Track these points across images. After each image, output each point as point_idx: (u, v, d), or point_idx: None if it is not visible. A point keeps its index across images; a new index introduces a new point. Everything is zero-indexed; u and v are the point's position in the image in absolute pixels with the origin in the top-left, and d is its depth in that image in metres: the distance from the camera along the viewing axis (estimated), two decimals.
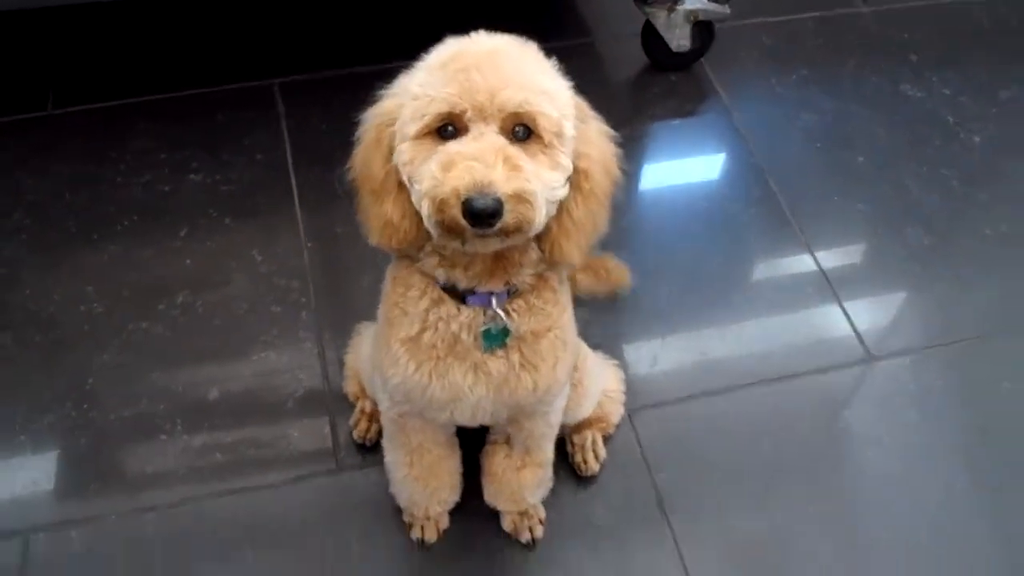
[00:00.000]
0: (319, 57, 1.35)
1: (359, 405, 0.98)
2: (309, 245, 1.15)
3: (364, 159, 0.67)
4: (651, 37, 1.37)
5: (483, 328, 0.70)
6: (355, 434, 0.98)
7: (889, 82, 1.42)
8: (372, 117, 0.66)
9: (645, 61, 1.39)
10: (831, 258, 1.19)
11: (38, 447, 0.98)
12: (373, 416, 0.97)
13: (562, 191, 0.65)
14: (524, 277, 0.69)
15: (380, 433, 0.94)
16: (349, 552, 0.92)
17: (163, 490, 0.94)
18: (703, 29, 1.35)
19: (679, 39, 1.35)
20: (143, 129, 1.27)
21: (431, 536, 0.93)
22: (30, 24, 1.38)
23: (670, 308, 1.13)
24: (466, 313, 0.70)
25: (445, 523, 0.94)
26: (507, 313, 0.70)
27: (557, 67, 0.65)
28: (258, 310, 1.09)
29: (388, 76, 0.67)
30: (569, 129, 0.64)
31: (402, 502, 0.92)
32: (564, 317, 0.74)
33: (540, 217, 0.62)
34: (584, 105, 0.67)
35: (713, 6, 1.32)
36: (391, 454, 0.88)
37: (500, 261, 0.68)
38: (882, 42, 1.48)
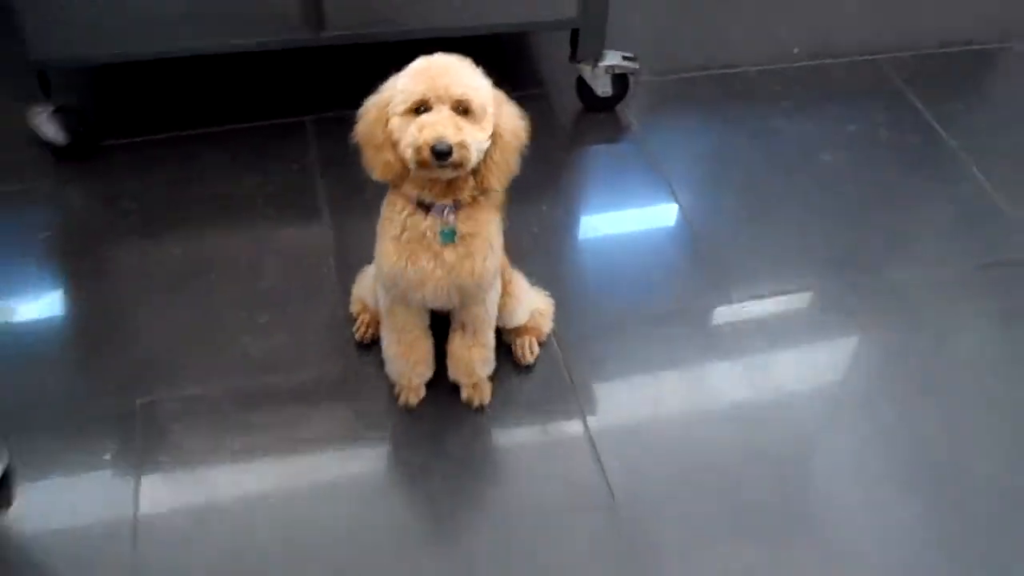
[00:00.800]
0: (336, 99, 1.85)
1: (360, 318, 1.43)
2: (332, 230, 1.62)
3: (368, 128, 1.13)
4: (583, 86, 1.86)
5: (440, 229, 1.16)
6: (357, 336, 1.42)
7: (764, 120, 1.91)
8: (373, 102, 1.13)
9: (579, 105, 1.89)
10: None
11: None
12: (368, 324, 1.41)
13: (486, 144, 1.10)
14: (464, 196, 1.14)
15: (374, 336, 1.40)
16: (353, 415, 1.36)
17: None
18: (620, 80, 1.84)
19: (602, 87, 1.84)
20: (210, 152, 1.76)
21: (413, 400, 1.35)
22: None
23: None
24: (430, 220, 1.15)
25: (422, 393, 1.36)
26: (454, 218, 1.16)
27: (483, 73, 1.12)
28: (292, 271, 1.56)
29: None
30: (489, 108, 1.10)
31: (392, 375, 1.35)
32: (491, 228, 1.19)
33: (474, 157, 1.08)
34: (502, 95, 1.13)
35: (626, 63, 1.81)
36: (385, 337, 1.32)
37: (450, 185, 1.13)
38: (762, 92, 1.98)
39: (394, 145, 1.11)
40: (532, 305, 1.41)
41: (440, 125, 1.06)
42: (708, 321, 1.51)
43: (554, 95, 1.91)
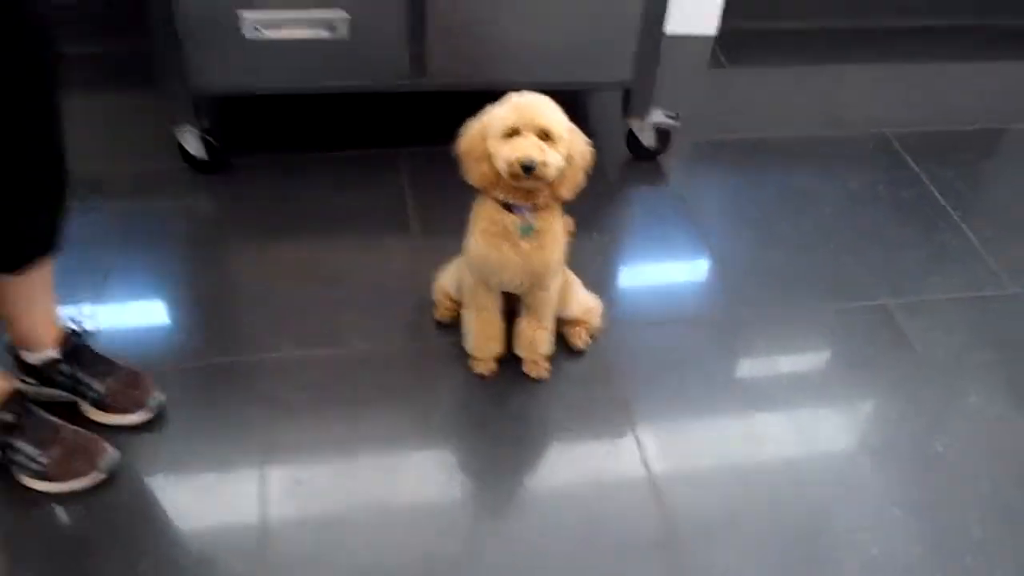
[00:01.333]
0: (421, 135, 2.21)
1: (441, 304, 1.75)
2: (420, 237, 1.97)
3: (469, 144, 1.47)
4: (632, 138, 2.22)
5: (520, 225, 1.50)
6: (437, 316, 1.75)
7: (781, 176, 2.25)
8: (475, 124, 1.47)
9: (627, 154, 2.24)
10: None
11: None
12: (448, 308, 1.73)
13: (562, 163, 1.45)
14: (540, 200, 1.48)
15: (452, 318, 1.73)
16: (436, 383, 1.68)
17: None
18: (663, 135, 2.20)
19: (648, 140, 2.19)
20: (319, 172, 2.12)
21: (485, 371, 1.66)
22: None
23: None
24: (512, 217, 1.49)
25: (494, 366, 1.67)
26: (532, 216, 1.50)
27: (560, 110, 1.47)
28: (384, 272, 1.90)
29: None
30: (564, 135, 1.44)
31: (469, 348, 1.66)
32: (558, 227, 1.52)
33: (552, 173, 1.42)
34: (573, 126, 1.47)
35: (669, 121, 2.17)
36: (466, 315, 1.64)
37: (530, 192, 1.48)
38: (779, 154, 2.32)
39: (490, 159, 1.45)
40: (584, 301, 1.73)
41: (528, 147, 1.41)
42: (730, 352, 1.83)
43: (605, 144, 2.26)
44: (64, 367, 1.51)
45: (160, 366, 1.63)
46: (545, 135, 1.42)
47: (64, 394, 1.54)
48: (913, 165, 2.29)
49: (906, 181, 2.25)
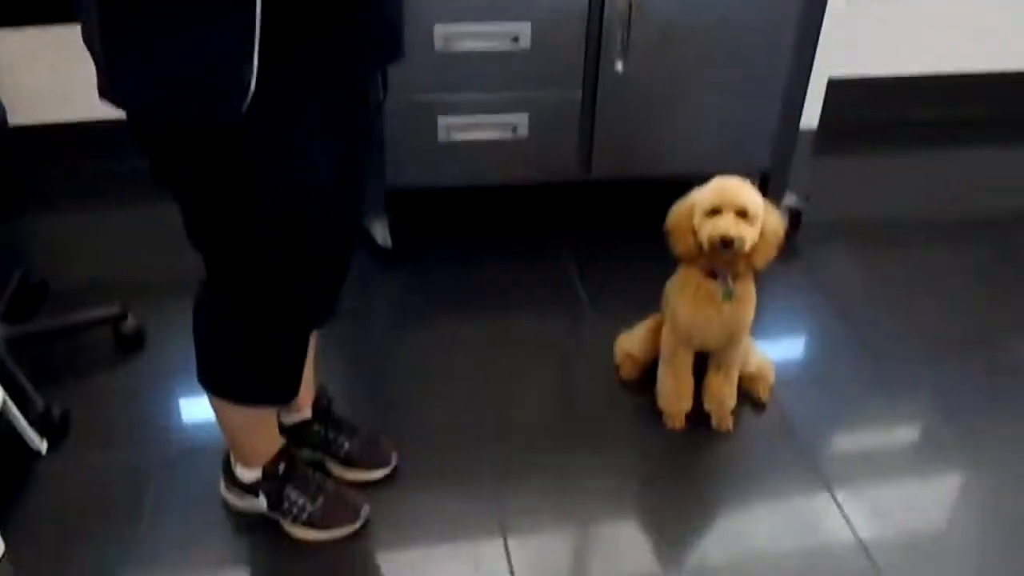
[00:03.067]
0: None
1: (624, 365, 1.94)
2: (594, 313, 2.18)
3: (677, 220, 1.69)
4: None
5: (723, 290, 1.70)
6: (624, 376, 1.94)
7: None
8: (683, 203, 1.70)
9: None
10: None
11: None
12: (631, 369, 1.93)
13: (755, 237, 1.66)
14: (738, 269, 1.70)
15: (637, 378, 1.93)
16: (622, 432, 1.86)
17: None
18: (795, 216, 2.42)
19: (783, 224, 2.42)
20: (490, 257, 2.35)
21: (678, 425, 1.84)
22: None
23: None
24: (715, 284, 1.70)
25: (684, 421, 1.86)
26: (732, 283, 1.71)
27: (756, 191, 1.69)
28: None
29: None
30: (759, 214, 1.66)
31: (663, 405, 1.85)
32: (751, 292, 1.73)
33: (747, 246, 1.64)
34: (768, 204, 1.68)
35: (801, 203, 2.40)
36: (663, 371, 1.83)
37: (731, 263, 1.69)
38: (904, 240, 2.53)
39: (695, 234, 1.68)
40: (761, 358, 1.92)
41: (727, 225, 1.63)
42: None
43: None
44: (317, 427, 1.71)
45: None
46: (743, 213, 1.64)
47: (316, 453, 1.73)
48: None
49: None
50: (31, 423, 1.73)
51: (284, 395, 1.51)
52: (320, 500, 1.61)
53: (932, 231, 2.54)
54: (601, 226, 2.44)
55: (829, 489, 1.74)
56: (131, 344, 2.00)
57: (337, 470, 1.73)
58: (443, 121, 2.10)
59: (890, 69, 2.97)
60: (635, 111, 2.17)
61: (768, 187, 2.35)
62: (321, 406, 1.72)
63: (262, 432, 1.58)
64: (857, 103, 2.98)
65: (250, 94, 1.08)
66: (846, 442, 1.86)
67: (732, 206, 1.63)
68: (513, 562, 1.59)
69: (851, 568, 1.60)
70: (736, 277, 1.71)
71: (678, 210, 1.71)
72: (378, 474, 1.72)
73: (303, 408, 1.70)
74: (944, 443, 1.86)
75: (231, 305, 1.37)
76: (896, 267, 2.39)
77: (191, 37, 1.06)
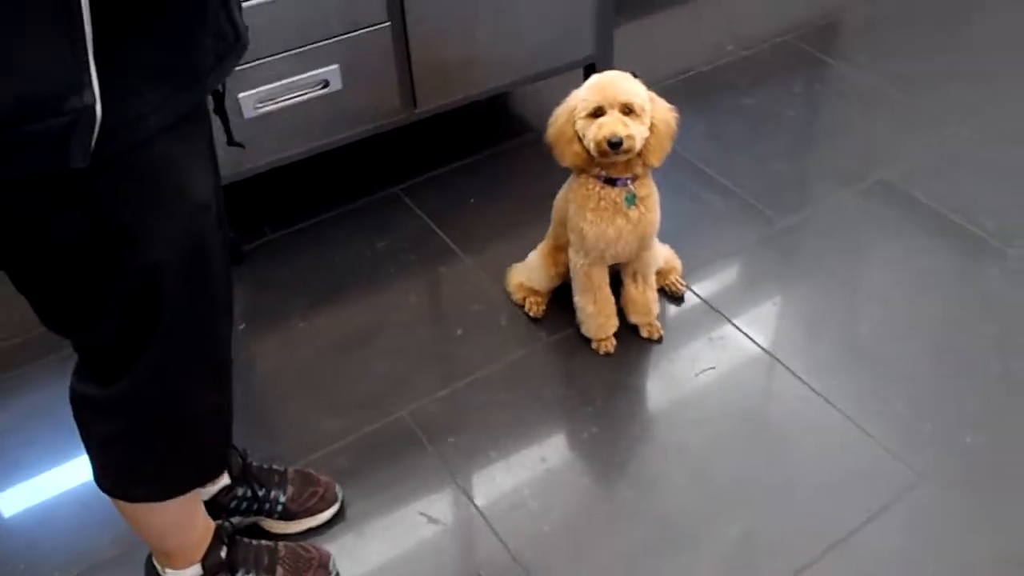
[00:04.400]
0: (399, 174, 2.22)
1: (527, 301, 1.79)
2: (467, 257, 1.99)
3: (558, 129, 1.53)
4: None
5: (625, 196, 1.57)
6: (532, 313, 1.79)
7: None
8: (561, 110, 1.53)
9: None
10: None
11: None
12: (536, 302, 1.78)
13: (646, 134, 1.53)
14: (636, 171, 1.56)
15: (544, 311, 1.79)
16: (556, 370, 1.74)
17: None
18: None
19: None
20: (335, 231, 2.08)
21: (610, 348, 1.73)
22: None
23: None
24: (616, 190, 1.56)
25: (614, 342, 1.74)
26: (633, 186, 1.58)
27: (639, 83, 1.54)
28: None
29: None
30: (647, 107, 1.52)
31: (589, 331, 1.72)
32: (653, 191, 1.61)
33: (638, 144, 1.50)
34: (654, 94, 1.54)
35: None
36: (580, 299, 1.70)
37: (627, 165, 1.55)
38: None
39: (580, 140, 1.52)
40: (664, 250, 1.83)
41: (612, 124, 1.49)
42: None
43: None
44: (242, 490, 1.44)
45: (308, 456, 1.58)
46: (628, 109, 1.50)
47: (246, 520, 1.46)
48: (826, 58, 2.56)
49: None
50: None
51: (218, 465, 1.27)
52: (279, 570, 1.37)
53: (750, 72, 2.52)
54: (436, 165, 2.23)
55: (772, 354, 1.72)
56: None
57: (279, 527, 1.48)
58: (245, 96, 1.78)
59: None
60: (450, 30, 1.95)
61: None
62: (236, 466, 1.44)
63: (191, 521, 1.29)
64: None
65: (97, 124, 0.79)
66: (770, 306, 1.83)
67: (615, 103, 1.49)
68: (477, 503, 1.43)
69: (811, 416, 1.60)
70: (635, 179, 1.58)
71: (558, 117, 1.55)
72: (325, 516, 1.50)
73: (217, 478, 1.42)
74: (843, 284, 1.88)
75: (121, 388, 1.06)
76: (733, 115, 2.36)
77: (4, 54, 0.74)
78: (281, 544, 1.40)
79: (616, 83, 1.51)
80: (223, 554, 1.31)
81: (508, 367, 1.74)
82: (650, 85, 1.56)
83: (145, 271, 0.96)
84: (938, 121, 2.28)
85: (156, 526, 1.25)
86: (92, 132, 0.79)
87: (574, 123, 1.52)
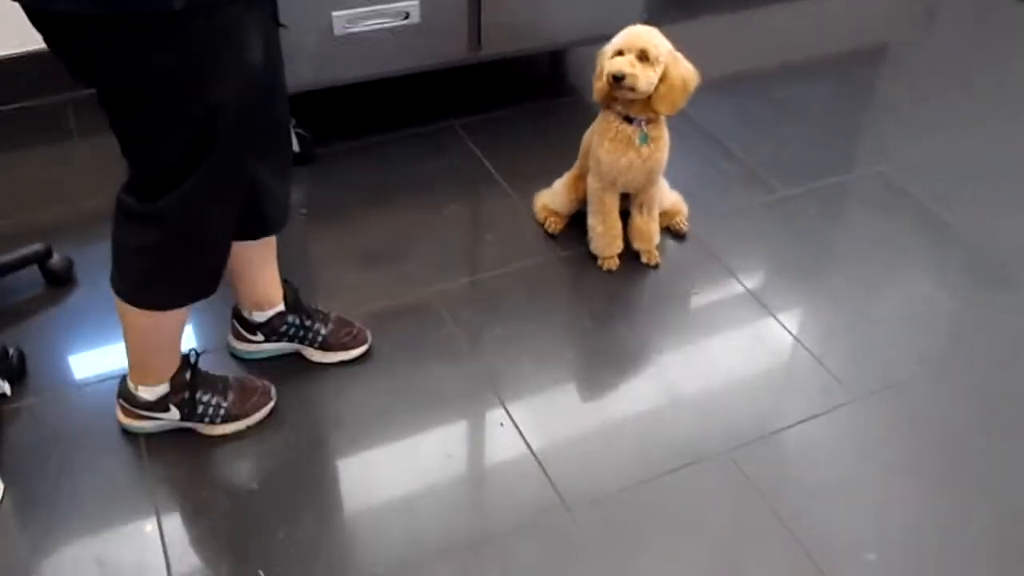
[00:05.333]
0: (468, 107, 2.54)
1: (548, 220, 2.10)
2: (506, 185, 2.30)
3: (597, 66, 1.84)
4: None
5: (639, 134, 1.87)
6: (550, 230, 2.10)
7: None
8: (600, 51, 1.84)
9: None
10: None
11: None
12: (555, 222, 2.09)
13: (654, 79, 1.79)
14: (650, 113, 1.86)
15: (562, 228, 2.09)
16: (566, 278, 2.03)
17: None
18: None
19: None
20: (396, 150, 2.41)
21: (613, 265, 2.02)
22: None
23: None
24: (631, 127, 1.86)
25: (617, 261, 2.03)
26: (647, 127, 1.87)
27: (663, 37, 1.83)
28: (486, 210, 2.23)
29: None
30: (661, 58, 1.81)
31: (596, 249, 2.02)
32: (664, 134, 1.90)
33: (641, 86, 1.78)
34: (680, 56, 1.83)
35: None
36: (593, 219, 2.00)
37: (643, 107, 1.85)
38: None
39: (605, 79, 1.83)
40: (671, 194, 2.12)
41: (620, 63, 1.78)
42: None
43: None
44: (291, 318, 1.77)
45: (349, 313, 1.91)
46: (644, 56, 1.79)
47: (290, 345, 1.79)
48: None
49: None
50: None
51: (210, 290, 1.51)
52: (230, 395, 1.66)
53: (785, 72, 2.81)
54: (491, 104, 2.55)
55: (750, 292, 2.00)
56: (61, 280, 1.96)
57: (317, 356, 1.80)
58: (338, 15, 2.12)
59: None
60: None
61: None
62: (291, 297, 1.77)
63: (175, 343, 1.58)
64: None
65: None
66: (757, 256, 2.11)
67: (633, 48, 1.79)
68: (511, 411, 1.74)
69: (795, 366, 1.86)
70: (650, 122, 1.88)
71: (598, 56, 1.85)
72: (356, 352, 1.81)
73: (274, 304, 1.75)
74: (823, 244, 2.16)
75: (167, 203, 1.34)
76: (761, 105, 2.64)
77: None
78: (231, 376, 1.70)
79: (640, 33, 1.81)
80: (187, 376, 1.59)
81: (525, 270, 2.05)
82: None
83: (210, 108, 1.26)
84: (937, 130, 2.55)
85: (144, 337, 1.54)
86: None
87: (603, 62, 1.83)
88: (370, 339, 1.83)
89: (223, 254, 1.50)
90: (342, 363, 1.80)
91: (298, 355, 1.81)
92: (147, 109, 1.27)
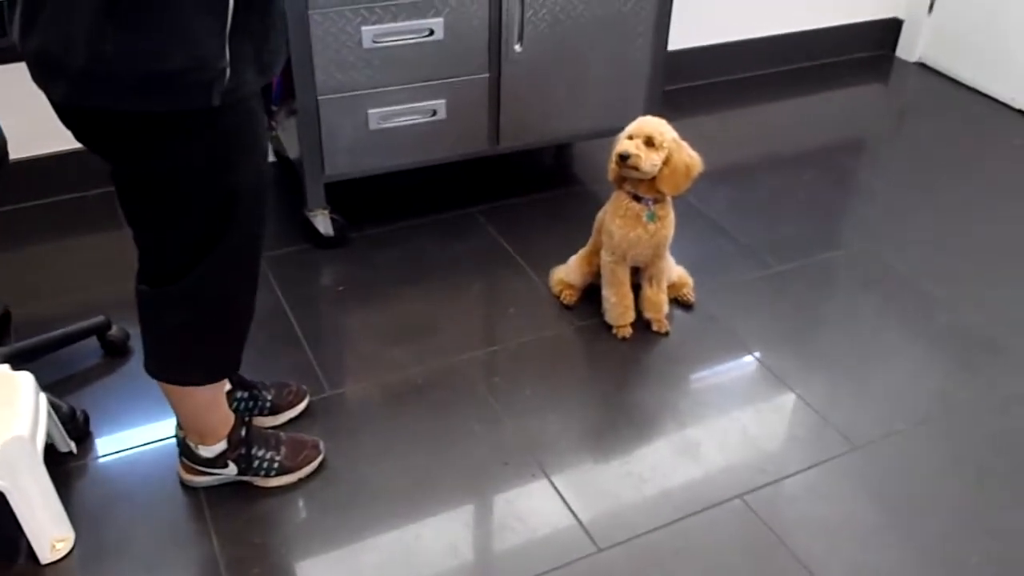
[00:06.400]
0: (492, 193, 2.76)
1: (563, 293, 2.28)
2: (525, 265, 2.50)
3: (612, 157, 2.06)
4: None
5: (647, 212, 2.08)
6: (566, 302, 2.29)
7: None
8: (615, 139, 2.07)
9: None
10: None
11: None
12: (571, 295, 2.27)
13: (658, 162, 2.01)
14: (657, 194, 2.07)
15: (577, 301, 2.28)
16: (584, 345, 2.21)
17: None
18: None
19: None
20: (419, 236, 2.62)
21: (626, 334, 2.20)
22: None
23: None
24: (640, 206, 2.08)
25: (631, 330, 2.22)
26: (654, 206, 2.09)
27: (669, 127, 2.06)
28: (505, 288, 2.42)
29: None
30: (664, 143, 2.02)
31: (611, 319, 2.20)
32: (670, 213, 2.12)
33: (644, 167, 2.00)
34: (684, 144, 2.05)
35: None
36: (606, 290, 2.19)
37: (651, 187, 2.07)
38: None
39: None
40: (677, 269, 2.32)
41: (627, 145, 2.01)
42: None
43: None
44: (240, 392, 1.88)
45: (383, 378, 2.07)
46: (649, 141, 2.02)
47: (244, 416, 1.83)
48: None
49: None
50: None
51: (238, 361, 1.65)
52: (283, 448, 1.79)
53: (773, 163, 3.06)
54: (508, 193, 2.79)
55: (753, 354, 2.18)
56: (119, 350, 2.13)
57: (268, 421, 1.91)
58: (373, 112, 2.36)
59: (702, 40, 3.50)
60: (533, 89, 2.52)
61: None
62: (235, 375, 1.84)
63: (219, 405, 1.71)
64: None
65: (226, 80, 1.26)
66: (757, 323, 2.30)
67: (641, 134, 2.02)
68: (543, 464, 1.89)
69: (797, 420, 2.03)
70: (657, 201, 2.10)
71: (612, 142, 2.08)
72: (301, 407, 1.96)
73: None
74: (817, 312, 2.36)
75: (190, 291, 1.47)
76: (753, 191, 2.88)
77: (182, 28, 1.21)
78: (282, 432, 1.86)
79: (649, 122, 2.04)
80: (243, 433, 1.73)
81: (547, 338, 2.23)
82: None
83: (228, 191, 1.40)
84: (915, 214, 2.78)
85: (192, 406, 1.67)
86: (223, 84, 1.26)
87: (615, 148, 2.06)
88: (307, 394, 1.97)
89: (247, 323, 1.62)
90: (384, 419, 1.97)
91: (347, 414, 1.97)
92: (172, 193, 1.39)
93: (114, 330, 2.12)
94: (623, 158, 2.00)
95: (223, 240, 1.44)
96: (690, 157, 2.07)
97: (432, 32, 2.31)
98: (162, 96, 1.25)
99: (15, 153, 1.87)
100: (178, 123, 1.30)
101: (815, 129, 3.31)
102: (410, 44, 2.30)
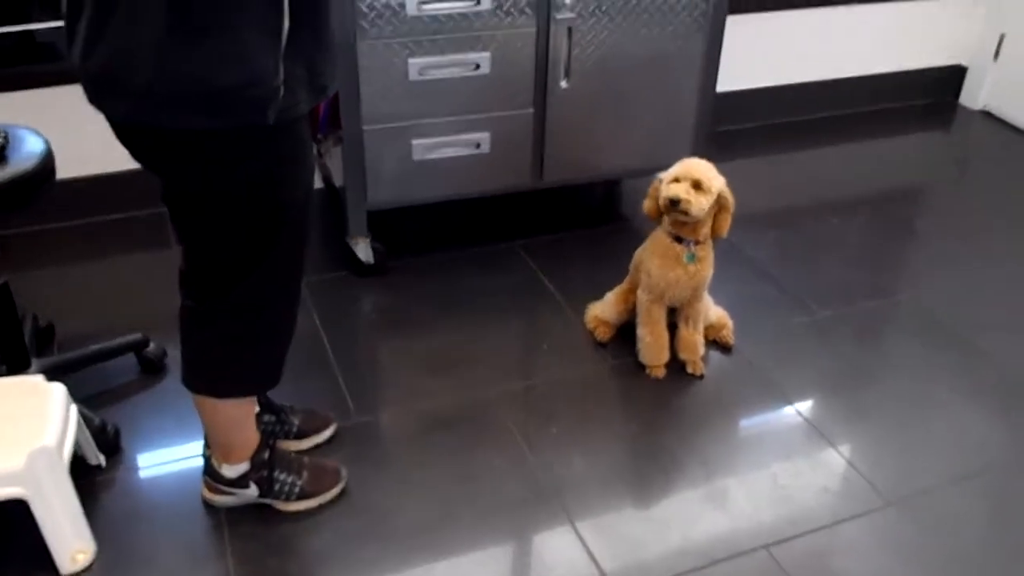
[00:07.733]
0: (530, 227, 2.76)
1: (598, 329, 2.26)
2: (561, 300, 2.48)
3: (651, 189, 2.04)
4: None
5: (687, 253, 2.05)
6: (599, 338, 2.26)
7: None
8: (656, 180, 2.05)
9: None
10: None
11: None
12: (604, 332, 2.25)
13: (706, 206, 2.00)
14: (699, 236, 2.05)
15: (610, 338, 2.25)
16: (616, 384, 2.18)
17: None
18: None
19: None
20: (458, 267, 2.62)
21: (660, 375, 2.17)
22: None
23: None
24: (680, 247, 2.05)
25: (664, 370, 2.18)
26: (694, 248, 2.06)
27: (715, 170, 2.04)
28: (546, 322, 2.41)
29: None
30: (714, 188, 2.00)
31: (645, 359, 2.17)
32: (710, 255, 2.09)
33: (694, 211, 1.98)
34: (725, 186, 2.02)
35: None
36: (642, 329, 2.16)
37: (694, 229, 2.04)
38: None
39: (658, 199, 2.03)
40: (717, 310, 2.28)
41: (677, 189, 1.99)
42: None
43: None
44: (268, 416, 1.89)
45: (415, 405, 2.07)
46: (697, 184, 2.00)
47: (270, 439, 1.84)
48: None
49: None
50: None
51: (276, 377, 1.66)
52: (305, 473, 1.79)
53: (824, 208, 3.00)
54: (550, 228, 2.78)
55: (790, 402, 2.12)
56: (155, 367, 2.16)
57: (293, 445, 1.91)
58: (417, 143, 2.38)
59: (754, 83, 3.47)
60: (578, 125, 2.52)
61: None
62: (264, 397, 1.86)
63: (248, 424, 1.72)
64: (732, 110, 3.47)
65: (280, 98, 1.30)
66: (796, 370, 2.24)
67: (689, 177, 2.00)
68: (566, 504, 1.86)
69: (831, 472, 1.96)
70: (697, 243, 2.07)
71: (653, 181, 2.07)
72: (327, 434, 1.96)
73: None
74: (859, 362, 2.29)
75: (236, 306, 1.51)
76: (801, 236, 2.82)
77: (240, 47, 1.24)
78: (303, 455, 1.86)
79: (695, 164, 2.02)
80: (266, 455, 1.74)
81: (579, 376, 2.20)
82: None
83: (278, 208, 1.44)
84: (965, 265, 2.70)
85: (222, 422, 1.68)
86: (278, 102, 1.30)
87: (659, 185, 2.04)
88: (334, 420, 1.98)
89: (288, 338, 1.64)
90: (409, 450, 1.96)
91: (373, 442, 1.97)
92: (225, 210, 1.42)
93: (151, 347, 2.16)
94: (674, 203, 1.97)
95: (270, 256, 1.47)
96: (731, 201, 2.05)
97: (479, 66, 2.33)
98: (220, 113, 1.29)
99: (63, 173, 1.92)
100: (234, 141, 1.34)
101: (870, 175, 3.24)
102: (456, 78, 2.33)
